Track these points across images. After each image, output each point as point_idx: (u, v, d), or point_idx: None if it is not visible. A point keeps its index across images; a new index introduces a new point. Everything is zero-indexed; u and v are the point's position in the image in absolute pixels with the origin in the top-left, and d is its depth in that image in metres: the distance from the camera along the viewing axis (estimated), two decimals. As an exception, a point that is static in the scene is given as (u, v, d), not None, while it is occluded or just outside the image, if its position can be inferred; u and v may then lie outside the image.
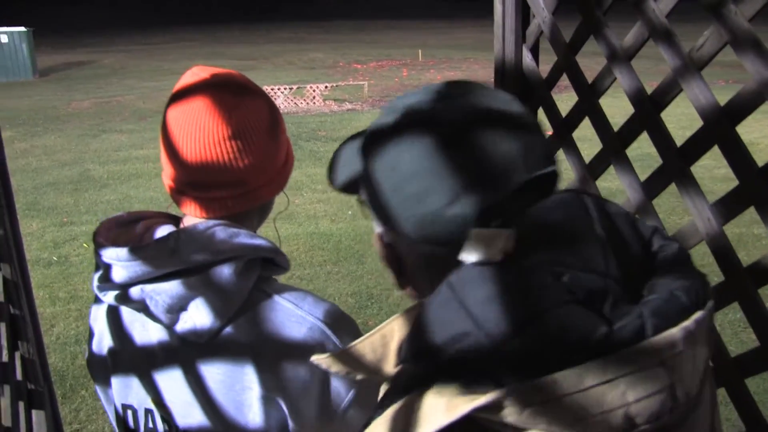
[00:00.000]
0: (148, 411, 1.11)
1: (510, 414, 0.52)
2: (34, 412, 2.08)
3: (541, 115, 1.85)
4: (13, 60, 20.78)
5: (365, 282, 5.50)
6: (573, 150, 1.77)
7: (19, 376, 2.02)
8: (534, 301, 0.53)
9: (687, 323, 0.54)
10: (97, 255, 1.04)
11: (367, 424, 0.63)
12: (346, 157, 0.76)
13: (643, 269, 0.59)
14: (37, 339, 2.30)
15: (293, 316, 1.03)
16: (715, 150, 1.36)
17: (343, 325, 1.06)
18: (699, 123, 1.37)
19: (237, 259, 1.01)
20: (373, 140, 0.69)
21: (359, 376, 0.69)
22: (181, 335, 1.03)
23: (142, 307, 1.02)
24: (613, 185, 5.46)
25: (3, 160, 2.21)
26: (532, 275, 0.55)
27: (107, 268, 1.02)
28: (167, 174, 1.09)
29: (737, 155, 1.30)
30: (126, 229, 1.10)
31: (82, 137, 11.71)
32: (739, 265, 1.33)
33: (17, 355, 2.07)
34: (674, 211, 6.27)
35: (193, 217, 1.08)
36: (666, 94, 1.47)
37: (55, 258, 6.20)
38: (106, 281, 1.02)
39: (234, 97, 1.03)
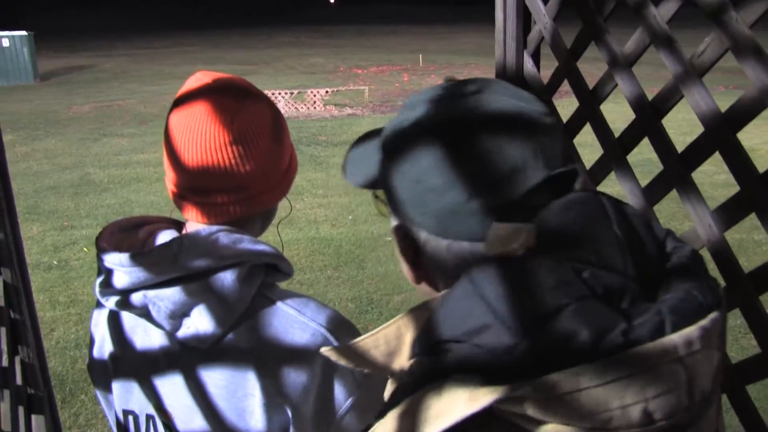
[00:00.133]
0: (149, 417, 1.11)
1: (531, 406, 0.52)
2: (33, 417, 2.07)
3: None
4: (14, 64, 20.80)
5: (365, 287, 5.49)
6: (574, 156, 1.77)
7: (18, 380, 2.01)
8: (556, 295, 0.54)
9: (704, 322, 0.54)
10: (100, 260, 1.03)
11: (379, 416, 0.62)
12: (363, 154, 0.77)
13: (658, 269, 0.60)
14: (37, 343, 2.30)
15: (296, 322, 1.03)
16: (716, 156, 1.37)
17: (345, 331, 1.06)
18: (699, 129, 1.37)
19: (240, 265, 1.01)
20: (393, 136, 0.70)
21: (368, 370, 0.69)
22: (184, 341, 1.02)
23: (144, 312, 1.02)
24: (614, 191, 5.42)
25: (4, 164, 2.21)
26: (554, 270, 0.56)
27: (109, 273, 1.02)
28: (169, 179, 1.09)
29: (738, 161, 1.30)
30: (129, 234, 1.09)
31: (82, 141, 11.72)
32: (741, 271, 1.33)
33: (17, 359, 2.07)
34: (674, 216, 6.27)
35: (194, 222, 1.08)
36: (667, 100, 1.47)
37: (55, 262, 6.19)
38: (108, 286, 1.02)
39: (236, 101, 1.03)
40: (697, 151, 1.41)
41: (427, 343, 0.60)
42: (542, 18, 1.84)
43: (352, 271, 5.85)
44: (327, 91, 14.69)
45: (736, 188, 1.31)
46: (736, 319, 4.22)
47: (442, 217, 0.64)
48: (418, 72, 21.29)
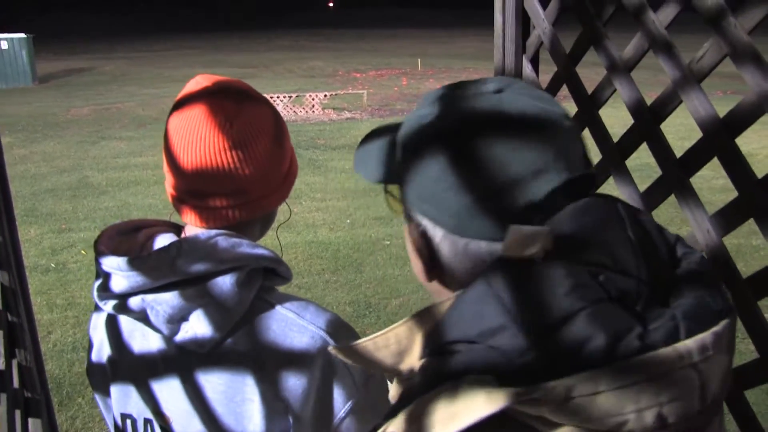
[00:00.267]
0: (147, 421, 1.10)
1: (548, 408, 0.53)
2: (30, 421, 2.07)
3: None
4: (12, 66, 20.80)
5: (363, 291, 5.49)
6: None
7: (15, 383, 2.01)
8: (572, 298, 0.54)
9: (717, 328, 0.55)
10: (98, 263, 1.03)
11: (389, 416, 0.62)
12: (377, 149, 0.77)
13: (670, 274, 0.60)
14: (34, 346, 2.30)
15: (295, 325, 1.03)
16: (714, 161, 1.37)
17: (345, 334, 1.06)
18: (698, 134, 1.37)
19: (239, 269, 1.00)
20: (413, 133, 0.70)
21: (374, 371, 0.69)
22: (182, 345, 1.02)
23: (142, 316, 1.02)
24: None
25: (2, 166, 2.20)
26: (571, 274, 0.56)
27: (107, 276, 1.01)
28: (168, 182, 1.08)
29: (736, 166, 1.31)
30: (127, 238, 1.09)
31: (81, 144, 11.71)
32: (739, 277, 1.33)
33: (14, 362, 2.06)
34: (672, 221, 6.27)
35: (193, 226, 1.07)
36: (666, 105, 1.47)
37: (53, 265, 6.19)
38: (107, 290, 1.02)
39: (235, 105, 1.03)
40: (696, 156, 1.41)
41: (440, 343, 0.60)
42: (541, 23, 1.84)
43: (350, 275, 5.85)
44: (326, 95, 14.70)
45: (735, 193, 1.32)
46: (734, 324, 4.19)
47: (460, 215, 0.64)
48: (416, 76, 21.32)
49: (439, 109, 0.68)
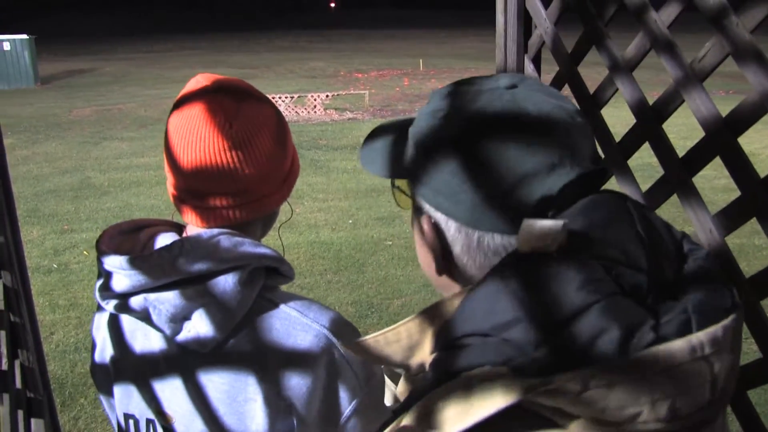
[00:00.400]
0: (149, 421, 1.10)
1: (564, 399, 0.53)
2: (33, 421, 2.07)
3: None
4: (14, 67, 20.83)
5: (365, 291, 5.49)
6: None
7: (18, 384, 2.01)
8: (586, 292, 0.55)
9: (726, 322, 0.56)
10: (100, 263, 1.03)
11: (401, 410, 0.62)
12: (386, 144, 0.78)
13: (678, 270, 0.61)
14: (36, 347, 2.30)
15: (299, 324, 1.03)
16: (716, 160, 1.37)
17: (348, 333, 1.06)
18: (699, 133, 1.37)
19: (241, 269, 1.00)
20: (429, 129, 0.70)
21: (383, 366, 0.69)
22: (184, 345, 1.02)
23: (144, 316, 1.01)
24: (613, 195, 5.44)
25: (4, 167, 2.21)
26: (584, 267, 0.56)
27: (109, 276, 1.01)
28: (169, 182, 1.08)
29: (739, 166, 1.30)
30: (129, 237, 1.09)
31: (83, 145, 11.72)
32: (741, 276, 1.33)
33: (17, 363, 2.07)
34: (674, 221, 6.23)
35: (194, 226, 1.07)
36: (668, 104, 1.47)
37: (55, 265, 6.19)
38: (108, 289, 1.02)
39: (236, 103, 1.02)
40: (698, 156, 1.41)
41: (453, 337, 0.60)
42: (543, 22, 1.84)
43: (352, 275, 5.85)
44: (327, 95, 14.71)
45: (737, 193, 1.31)
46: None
47: (475, 208, 0.65)
48: (418, 76, 21.32)
49: (452, 104, 0.69)
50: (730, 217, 1.35)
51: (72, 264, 6.24)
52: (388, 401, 1.36)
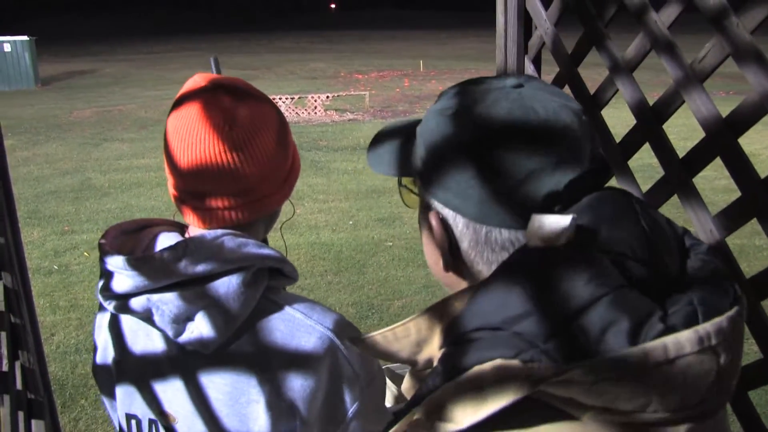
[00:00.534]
0: (152, 421, 1.09)
1: (578, 389, 0.55)
2: (33, 422, 2.07)
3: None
4: (15, 69, 20.85)
5: (366, 292, 5.49)
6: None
7: (19, 385, 2.01)
8: (595, 284, 0.56)
9: (731, 313, 0.57)
10: (102, 262, 1.02)
11: (412, 404, 0.63)
12: (392, 144, 0.79)
13: (681, 263, 0.63)
14: (37, 348, 2.30)
15: (302, 326, 1.02)
16: (716, 161, 1.37)
17: (351, 335, 1.05)
18: (700, 134, 1.37)
19: (245, 270, 1.00)
20: (435, 125, 0.71)
21: (394, 362, 0.70)
22: (187, 346, 1.01)
23: (146, 316, 1.01)
24: (614, 196, 5.44)
25: (5, 168, 2.21)
26: (592, 261, 0.58)
27: (112, 276, 1.01)
28: (170, 183, 1.08)
29: (739, 166, 1.30)
30: (131, 236, 1.08)
31: (83, 146, 11.73)
32: (742, 277, 1.33)
33: (17, 364, 2.06)
34: (674, 221, 6.26)
35: (194, 227, 1.07)
36: (668, 105, 1.47)
37: (55, 266, 6.19)
38: (111, 290, 1.01)
39: (234, 103, 1.02)
40: (699, 157, 1.41)
41: (463, 331, 0.61)
42: (543, 23, 1.84)
43: (352, 276, 5.85)
44: (328, 96, 14.71)
45: (737, 193, 1.31)
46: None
47: (484, 204, 0.66)
48: (418, 77, 21.33)
49: (461, 102, 0.70)
50: (731, 218, 1.35)
51: (72, 265, 6.24)
52: (388, 402, 1.36)
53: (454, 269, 0.73)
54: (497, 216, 0.65)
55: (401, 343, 0.68)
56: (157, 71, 24.55)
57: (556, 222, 0.60)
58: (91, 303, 5.30)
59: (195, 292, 0.98)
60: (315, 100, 14.35)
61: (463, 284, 0.73)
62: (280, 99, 13.88)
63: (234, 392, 1.01)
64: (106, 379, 1.16)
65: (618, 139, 1.64)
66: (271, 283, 1.06)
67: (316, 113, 14.30)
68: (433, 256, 0.75)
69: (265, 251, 1.03)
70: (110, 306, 1.03)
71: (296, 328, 1.02)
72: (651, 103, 1.52)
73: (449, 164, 0.68)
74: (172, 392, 1.06)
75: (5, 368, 1.89)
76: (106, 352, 1.14)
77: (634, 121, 1.55)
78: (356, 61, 27.01)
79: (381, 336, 0.68)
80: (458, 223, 0.69)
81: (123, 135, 12.69)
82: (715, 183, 7.63)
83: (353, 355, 1.04)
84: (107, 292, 1.01)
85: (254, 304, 1.01)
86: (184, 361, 1.04)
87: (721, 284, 0.60)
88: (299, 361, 1.01)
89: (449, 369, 0.60)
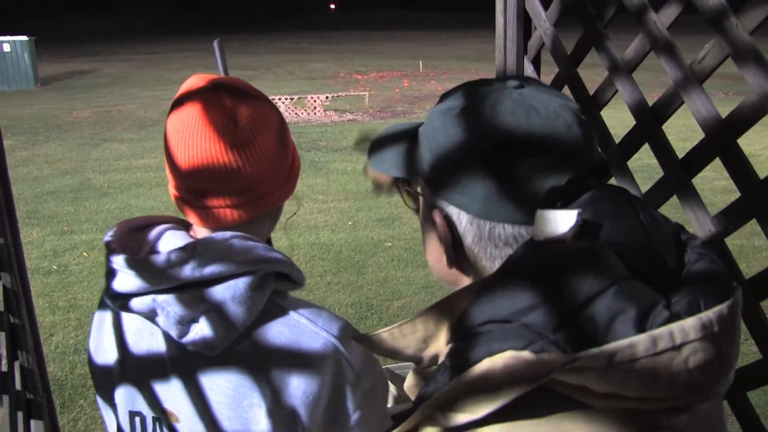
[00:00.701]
0: (156, 419, 1.09)
1: (590, 376, 0.56)
2: (32, 422, 2.07)
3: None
4: (14, 69, 20.84)
5: (365, 292, 5.49)
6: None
7: (18, 385, 2.01)
8: (601, 276, 0.58)
9: (730, 301, 0.59)
10: (108, 261, 1.02)
11: (421, 400, 0.64)
12: (394, 146, 0.80)
13: (678, 256, 0.66)
14: (36, 348, 2.30)
15: (307, 331, 1.02)
16: (715, 161, 1.37)
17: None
18: (699, 135, 1.37)
19: (253, 273, 0.99)
20: (439, 125, 0.72)
21: (399, 359, 0.71)
22: (191, 347, 1.01)
23: (151, 316, 1.01)
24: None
25: (4, 168, 2.21)
26: (598, 253, 0.60)
27: (118, 274, 1.00)
28: (171, 184, 1.08)
29: (739, 167, 1.30)
30: (139, 233, 1.08)
31: (83, 146, 11.72)
32: (741, 277, 1.33)
33: (16, 364, 2.07)
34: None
35: (198, 226, 1.07)
36: (667, 106, 1.47)
37: (54, 267, 6.19)
38: (117, 288, 1.01)
39: (235, 102, 1.01)
40: (698, 157, 1.41)
41: (471, 325, 0.62)
42: (543, 24, 1.85)
43: (351, 276, 5.85)
44: (327, 97, 14.71)
45: (736, 194, 1.31)
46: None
47: (488, 201, 0.67)
48: (418, 78, 21.33)
49: (464, 103, 0.71)
50: (730, 219, 1.35)
51: (72, 265, 6.23)
52: (388, 404, 1.36)
53: (456, 266, 0.74)
54: (501, 212, 0.67)
55: (408, 339, 0.69)
56: (157, 71, 24.55)
57: (563, 216, 0.61)
58: (90, 303, 5.30)
59: (201, 294, 0.98)
60: (314, 101, 14.35)
61: (465, 281, 0.74)
62: (279, 99, 13.88)
63: (236, 395, 1.01)
64: (106, 376, 1.15)
65: (617, 140, 1.64)
66: (278, 287, 1.05)
67: (315, 114, 14.30)
68: (435, 253, 0.76)
69: (274, 255, 1.02)
70: (117, 304, 1.03)
71: (301, 333, 1.01)
72: (650, 103, 1.52)
73: (454, 163, 0.69)
74: (175, 392, 1.05)
75: (4, 368, 1.89)
76: (108, 350, 1.13)
77: (634, 122, 1.56)
78: (356, 61, 27.01)
79: (388, 333, 0.69)
80: (462, 220, 0.70)
81: (122, 135, 12.68)
82: (715, 184, 7.63)
83: (357, 361, 1.04)
84: (115, 290, 1.01)
85: (260, 308, 1.01)
86: (188, 362, 1.03)
87: (717, 275, 0.62)
88: (302, 367, 1.00)
89: (458, 363, 0.61)
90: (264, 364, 1.00)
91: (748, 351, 3.96)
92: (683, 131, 7.74)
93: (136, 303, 1.01)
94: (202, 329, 0.98)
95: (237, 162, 1.00)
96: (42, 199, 8.46)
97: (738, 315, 0.61)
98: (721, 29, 1.28)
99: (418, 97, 17.12)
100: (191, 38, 41.73)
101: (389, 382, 1.27)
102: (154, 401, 1.08)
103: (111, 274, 1.02)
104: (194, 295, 0.98)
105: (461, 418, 0.61)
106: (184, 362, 1.04)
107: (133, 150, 11.35)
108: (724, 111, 1.30)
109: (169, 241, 1.04)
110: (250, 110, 1.02)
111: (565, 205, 0.65)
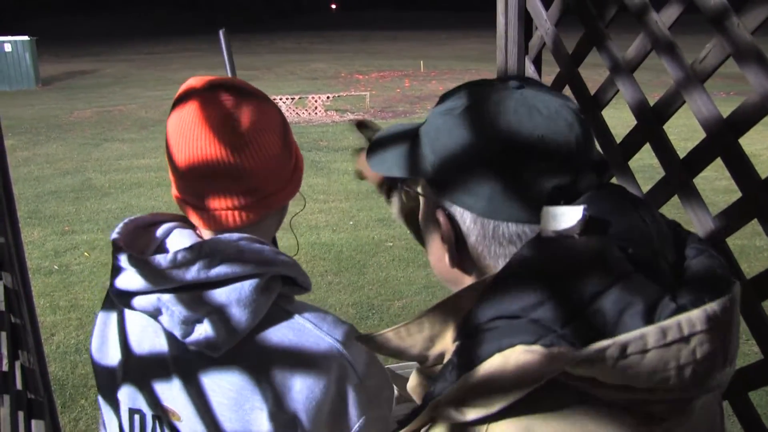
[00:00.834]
0: (156, 417, 1.09)
1: (601, 367, 0.57)
2: (33, 422, 2.07)
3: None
4: (15, 69, 20.84)
5: (366, 292, 5.49)
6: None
7: (19, 385, 2.01)
8: (609, 270, 0.59)
9: (731, 293, 0.60)
10: (115, 258, 1.01)
11: (429, 397, 0.65)
12: (395, 147, 0.80)
13: (678, 251, 0.67)
14: (37, 348, 2.30)
15: (312, 336, 1.01)
16: (717, 161, 1.37)
17: (361, 347, 1.03)
18: (700, 135, 1.37)
19: (259, 276, 0.98)
20: (442, 124, 0.73)
21: (404, 358, 0.71)
22: (195, 347, 1.00)
23: (155, 315, 1.00)
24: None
25: (5, 168, 2.21)
26: (605, 248, 0.61)
27: (124, 272, 1.00)
28: (174, 185, 1.07)
29: (740, 167, 1.30)
30: (146, 232, 1.07)
31: (84, 146, 11.73)
32: (742, 278, 1.33)
33: (17, 364, 2.07)
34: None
35: (202, 228, 1.06)
36: (669, 105, 1.47)
37: (56, 267, 6.19)
38: (122, 286, 1.00)
39: (237, 101, 1.01)
40: (699, 157, 1.41)
41: (481, 321, 0.63)
42: (544, 23, 1.84)
43: (352, 276, 5.85)
44: (328, 97, 14.71)
45: (738, 194, 1.31)
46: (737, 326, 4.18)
47: (492, 200, 0.67)
48: (419, 78, 21.32)
49: (467, 102, 0.71)
50: (731, 219, 1.35)
51: (73, 265, 6.23)
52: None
53: (459, 265, 0.74)
54: (505, 211, 0.67)
55: (414, 338, 0.69)
56: (158, 71, 24.55)
57: (570, 212, 0.62)
58: (91, 303, 5.30)
59: (206, 295, 0.97)
60: (315, 101, 14.35)
61: (467, 280, 0.74)
62: (280, 99, 13.88)
63: (239, 398, 1.00)
64: (110, 376, 1.14)
65: (618, 140, 1.64)
66: (284, 291, 1.04)
67: (316, 114, 14.30)
68: (437, 253, 0.76)
69: (282, 258, 1.02)
70: (122, 302, 1.02)
71: (305, 337, 1.01)
72: (651, 103, 1.52)
73: (459, 163, 0.69)
74: (177, 391, 1.05)
75: (5, 368, 1.89)
76: (112, 350, 1.13)
77: (635, 122, 1.55)
78: (357, 61, 27.01)
79: (394, 332, 0.70)
80: (465, 219, 0.71)
81: (123, 135, 12.69)
82: (716, 184, 7.63)
83: (362, 366, 1.03)
84: (120, 288, 1.01)
85: (265, 311, 1.00)
86: (191, 363, 1.03)
87: (718, 267, 0.64)
88: (306, 372, 0.99)
89: (468, 359, 0.61)
90: (267, 368, 1.00)
91: (749, 351, 3.97)
92: (684, 131, 7.73)
93: (140, 301, 1.00)
94: (206, 330, 0.98)
95: (240, 162, 0.99)
96: (43, 199, 8.47)
97: (737, 307, 0.62)
98: (723, 29, 1.28)
99: (419, 97, 17.12)
100: (191, 38, 41.74)
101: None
102: (155, 399, 1.07)
103: (117, 271, 1.02)
104: (199, 297, 0.97)
105: (474, 413, 0.62)
106: (187, 362, 1.03)
107: (134, 150, 11.36)
108: (726, 111, 1.30)
109: (176, 240, 1.04)
110: (253, 109, 1.02)
111: (567, 203, 0.65)
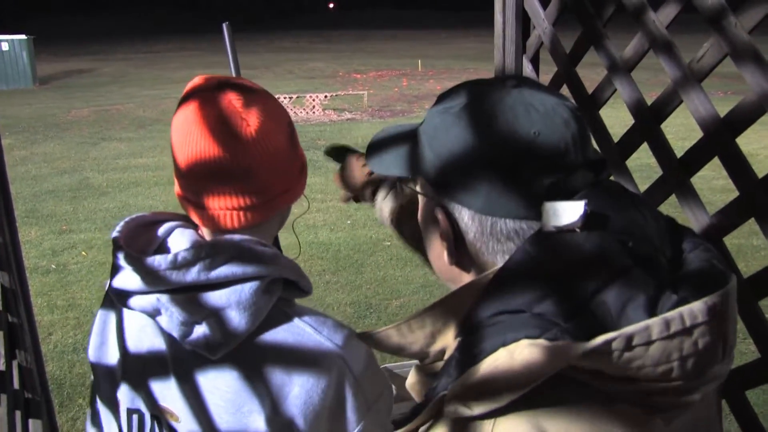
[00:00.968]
0: (154, 417, 1.08)
1: (608, 359, 0.58)
2: (30, 422, 2.07)
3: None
4: (13, 68, 20.80)
5: (364, 292, 5.49)
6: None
7: (16, 384, 2.01)
8: (611, 264, 0.60)
9: (728, 286, 0.61)
10: (115, 257, 1.01)
11: (432, 395, 0.65)
12: (394, 147, 0.81)
13: (676, 245, 0.68)
14: (34, 347, 2.30)
15: (311, 340, 1.00)
16: (714, 161, 1.37)
17: (361, 352, 1.03)
18: (697, 134, 1.37)
19: (260, 278, 0.98)
20: (441, 123, 0.73)
21: (404, 355, 0.72)
22: (194, 348, 1.00)
23: (154, 315, 1.00)
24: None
25: (3, 167, 2.21)
26: (606, 242, 0.62)
27: (124, 272, 0.99)
28: (178, 185, 1.06)
29: (737, 166, 1.30)
30: (147, 231, 1.07)
31: (81, 145, 11.71)
32: (740, 277, 1.33)
33: (15, 363, 2.06)
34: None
35: (209, 229, 1.06)
36: (666, 105, 1.47)
37: (53, 266, 6.18)
38: (122, 285, 1.00)
39: (244, 100, 1.00)
40: (697, 156, 1.41)
41: (484, 317, 0.63)
42: (541, 23, 1.84)
43: (350, 275, 5.84)
44: (326, 96, 14.70)
45: (735, 193, 1.31)
46: (734, 325, 4.18)
47: (490, 197, 0.68)
48: (417, 77, 21.32)
49: (465, 100, 0.72)
50: (729, 218, 1.35)
51: (70, 264, 6.23)
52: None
53: (457, 262, 0.74)
54: (503, 208, 0.67)
55: (416, 335, 0.70)
56: (156, 70, 24.52)
57: (571, 207, 0.63)
58: (89, 302, 5.29)
59: (207, 297, 0.97)
60: (313, 100, 14.34)
61: (466, 278, 0.74)
62: (278, 98, 13.84)
63: (236, 400, 0.99)
64: (110, 376, 1.14)
65: (616, 139, 1.64)
66: (284, 294, 1.04)
67: (314, 113, 14.30)
68: (436, 250, 0.76)
69: (283, 261, 1.01)
70: (121, 301, 1.02)
71: (305, 342, 1.00)
72: (649, 102, 1.52)
73: (455, 160, 0.70)
74: (175, 392, 1.04)
75: (2, 367, 1.89)
76: (110, 348, 1.12)
77: (632, 121, 1.56)
78: (355, 60, 26.99)
79: (395, 329, 0.70)
80: (464, 216, 0.71)
81: (121, 134, 12.66)
82: (713, 183, 7.63)
83: (362, 371, 1.02)
84: (120, 287, 1.00)
85: (265, 314, 0.99)
86: (190, 364, 1.02)
87: (714, 260, 0.65)
88: (305, 375, 0.99)
89: (471, 354, 0.62)
90: (266, 371, 0.99)
91: (746, 350, 3.97)
92: (682, 130, 7.74)
93: (139, 301, 1.00)
94: (204, 332, 0.97)
95: (249, 163, 0.98)
96: (40, 198, 8.45)
97: (735, 299, 0.63)
98: (720, 28, 1.28)
99: (417, 96, 17.11)
100: (190, 37, 41.70)
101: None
102: (153, 400, 1.07)
103: (116, 270, 1.02)
104: (199, 298, 0.97)
105: (482, 407, 0.62)
106: (185, 363, 1.03)
107: (131, 149, 11.34)
108: (723, 110, 1.30)
109: (178, 240, 1.04)
110: (260, 109, 1.01)
111: (567, 198, 0.66)
